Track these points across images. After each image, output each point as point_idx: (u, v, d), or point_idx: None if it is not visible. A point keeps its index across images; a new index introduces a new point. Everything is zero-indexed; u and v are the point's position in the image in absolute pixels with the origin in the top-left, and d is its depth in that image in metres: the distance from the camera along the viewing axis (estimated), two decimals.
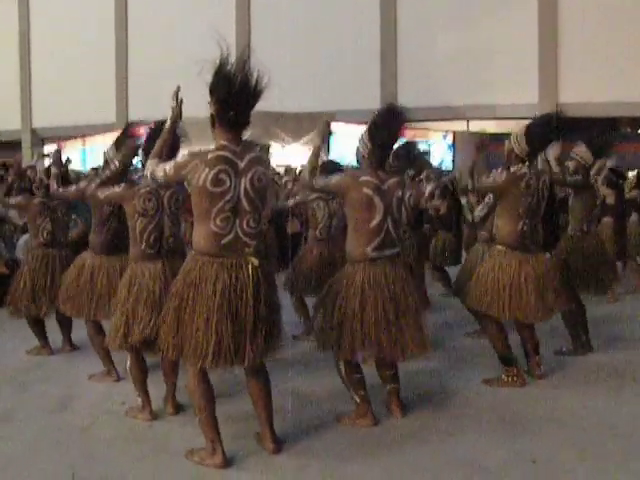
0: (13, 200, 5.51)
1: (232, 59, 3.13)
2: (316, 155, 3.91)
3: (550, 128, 4.49)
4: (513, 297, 4.38)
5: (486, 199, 5.44)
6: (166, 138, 3.43)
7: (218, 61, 3.12)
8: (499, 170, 4.51)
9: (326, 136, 3.94)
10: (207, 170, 3.11)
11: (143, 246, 3.96)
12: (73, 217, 5.93)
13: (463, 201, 5.65)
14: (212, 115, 3.22)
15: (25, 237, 6.89)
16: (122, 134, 4.60)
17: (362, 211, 3.71)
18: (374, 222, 3.71)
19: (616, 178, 8.38)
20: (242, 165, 3.21)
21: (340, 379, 3.91)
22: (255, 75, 3.16)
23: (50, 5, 23.49)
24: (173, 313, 3.24)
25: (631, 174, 9.86)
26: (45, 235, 5.33)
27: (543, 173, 4.67)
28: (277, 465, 3.40)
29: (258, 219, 3.28)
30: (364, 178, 3.74)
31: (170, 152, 3.68)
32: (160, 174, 3.28)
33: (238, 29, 21.59)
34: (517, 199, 4.43)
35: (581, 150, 5.40)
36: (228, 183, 3.15)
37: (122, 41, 22.81)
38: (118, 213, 4.51)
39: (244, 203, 3.22)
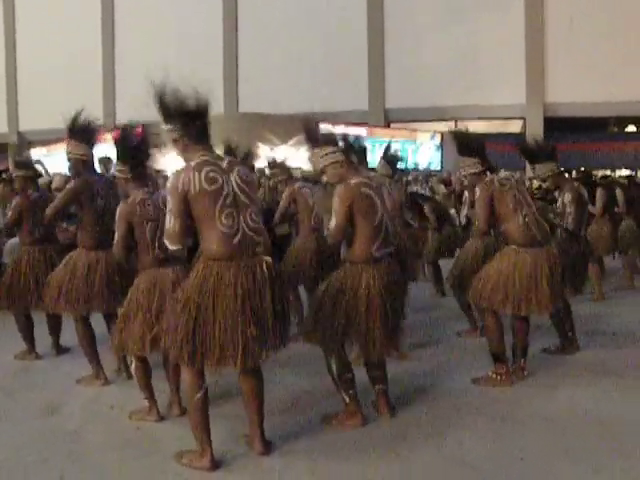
0: (11, 216, 5.39)
1: (166, 87, 3.27)
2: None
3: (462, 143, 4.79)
4: (531, 292, 4.44)
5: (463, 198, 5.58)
6: None
7: (156, 94, 3.26)
8: (476, 195, 4.64)
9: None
10: (197, 174, 3.19)
11: (157, 251, 3.92)
12: (64, 225, 5.92)
13: (452, 211, 5.72)
14: (180, 139, 3.30)
15: (12, 241, 6.85)
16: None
17: (367, 212, 3.73)
18: (377, 220, 3.75)
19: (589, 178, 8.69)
20: (224, 165, 3.31)
21: (330, 378, 3.90)
22: (189, 89, 3.27)
23: (36, 8, 23.38)
24: (190, 321, 3.19)
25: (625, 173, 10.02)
26: (39, 230, 5.30)
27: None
28: (265, 467, 3.39)
29: (258, 212, 3.36)
30: (356, 180, 3.75)
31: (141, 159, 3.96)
32: (171, 232, 3.24)
33: (225, 32, 21.58)
34: (503, 199, 4.52)
35: (540, 169, 5.48)
36: (220, 180, 3.23)
37: (109, 43, 22.74)
38: (110, 208, 4.51)
39: (241, 197, 3.28)
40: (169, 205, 3.24)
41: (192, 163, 3.23)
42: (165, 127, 3.34)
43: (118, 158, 4.21)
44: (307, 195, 5.84)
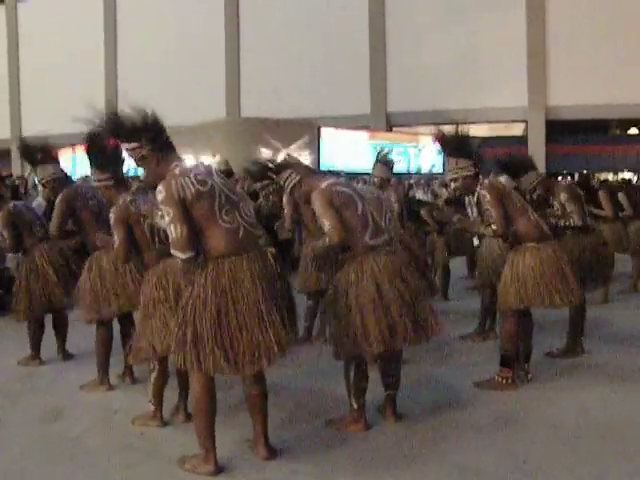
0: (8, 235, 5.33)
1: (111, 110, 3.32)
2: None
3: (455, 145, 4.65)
4: (562, 284, 4.48)
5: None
6: None
7: (108, 117, 3.30)
8: (484, 198, 4.49)
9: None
10: (187, 179, 3.18)
11: (158, 245, 3.92)
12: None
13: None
14: (150, 154, 3.26)
15: None
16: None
17: (347, 206, 3.73)
18: (359, 210, 3.75)
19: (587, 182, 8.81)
20: (203, 169, 3.33)
21: (345, 381, 3.88)
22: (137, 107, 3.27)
23: (39, 13, 23.45)
24: (214, 327, 3.13)
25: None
26: (39, 230, 5.31)
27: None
28: (269, 472, 3.38)
29: (250, 207, 3.39)
30: (325, 182, 3.78)
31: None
32: (180, 239, 3.13)
33: (227, 39, 21.60)
34: (511, 199, 4.52)
35: (526, 180, 5.47)
36: (209, 181, 3.24)
37: (111, 49, 22.79)
38: (103, 208, 4.57)
39: (231, 196, 3.31)
40: (168, 216, 3.14)
41: (176, 171, 3.20)
42: (130, 145, 3.28)
43: (96, 167, 4.20)
44: None
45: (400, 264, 3.80)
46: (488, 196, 4.42)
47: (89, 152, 4.17)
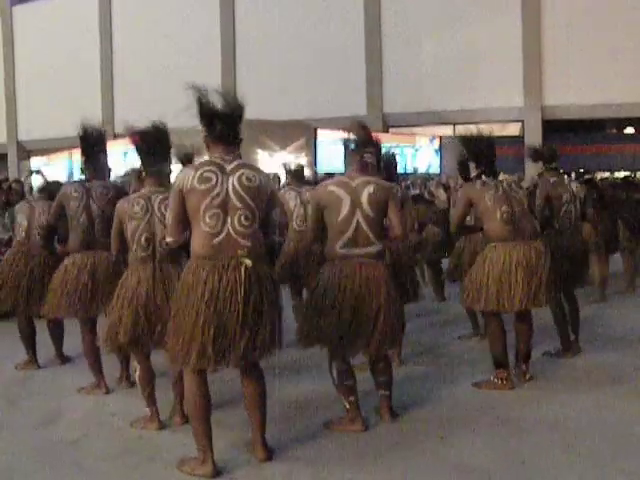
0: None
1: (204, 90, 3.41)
2: None
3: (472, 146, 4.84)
4: (504, 287, 4.42)
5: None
6: None
7: (197, 96, 3.40)
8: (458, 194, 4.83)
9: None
10: (193, 172, 3.32)
11: (135, 248, 3.95)
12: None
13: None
14: (204, 139, 3.47)
15: None
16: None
17: (330, 208, 3.83)
18: (341, 215, 3.78)
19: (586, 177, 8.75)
20: (229, 167, 3.36)
21: (332, 383, 3.92)
22: (232, 94, 3.47)
23: (34, 18, 23.44)
24: (172, 319, 3.34)
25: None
26: (22, 234, 5.32)
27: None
28: (267, 473, 3.39)
29: (252, 217, 3.33)
30: (332, 180, 3.97)
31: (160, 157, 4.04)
32: (167, 225, 3.46)
33: (223, 41, 21.60)
34: (482, 199, 4.57)
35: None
36: (214, 180, 3.30)
37: (107, 53, 22.78)
38: (86, 209, 4.66)
39: (234, 200, 3.30)
40: (169, 199, 3.44)
41: (197, 163, 3.38)
42: (199, 126, 3.49)
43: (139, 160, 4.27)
44: (288, 198, 5.87)
45: (362, 280, 3.75)
46: (459, 194, 4.78)
47: (135, 145, 4.20)
